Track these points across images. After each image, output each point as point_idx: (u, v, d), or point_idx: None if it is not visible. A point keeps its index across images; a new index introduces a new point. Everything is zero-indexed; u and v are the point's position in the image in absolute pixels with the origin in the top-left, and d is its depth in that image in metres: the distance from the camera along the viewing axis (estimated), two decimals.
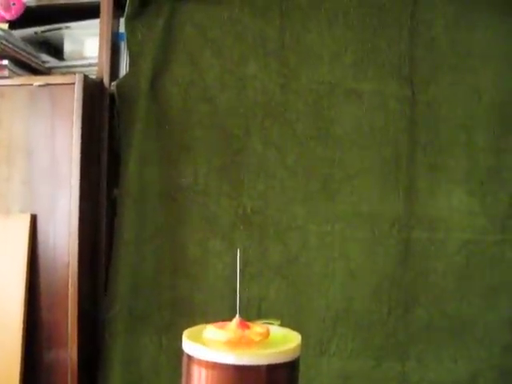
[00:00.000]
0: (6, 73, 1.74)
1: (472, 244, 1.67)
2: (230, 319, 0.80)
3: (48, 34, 1.94)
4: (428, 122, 1.71)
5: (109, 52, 1.79)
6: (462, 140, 1.71)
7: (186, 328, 0.81)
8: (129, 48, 1.76)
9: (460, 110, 1.70)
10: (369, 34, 1.73)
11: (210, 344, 0.75)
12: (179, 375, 0.77)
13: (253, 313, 1.68)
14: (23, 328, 1.62)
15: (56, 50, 1.97)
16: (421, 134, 1.71)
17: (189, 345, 0.74)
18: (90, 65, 1.85)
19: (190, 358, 0.74)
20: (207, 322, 0.82)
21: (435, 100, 1.71)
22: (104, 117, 1.77)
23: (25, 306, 1.63)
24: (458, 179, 1.70)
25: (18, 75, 1.78)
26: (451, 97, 1.70)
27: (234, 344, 0.75)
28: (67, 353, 1.64)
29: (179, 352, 0.77)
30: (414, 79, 1.71)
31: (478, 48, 1.72)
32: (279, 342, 0.77)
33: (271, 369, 0.71)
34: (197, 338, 0.75)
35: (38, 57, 1.89)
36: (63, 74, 1.87)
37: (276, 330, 0.82)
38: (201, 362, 0.72)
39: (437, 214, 1.69)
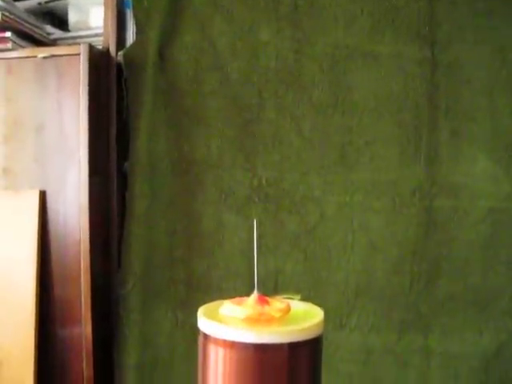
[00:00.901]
0: (9, 45, 1.70)
1: (497, 212, 1.61)
2: (248, 294, 0.75)
3: (52, 4, 1.90)
4: (449, 85, 1.63)
5: (114, 21, 1.74)
6: (484, 103, 1.62)
7: (202, 303, 0.76)
8: (135, 16, 1.72)
9: (483, 72, 1.62)
10: None
11: (227, 321, 0.70)
12: (195, 350, 0.72)
13: (269, 287, 1.64)
14: (36, 306, 1.62)
15: (60, 21, 1.93)
16: (442, 98, 1.63)
17: (204, 322, 0.69)
18: (96, 35, 1.80)
19: (206, 336, 0.69)
20: (223, 296, 0.77)
21: (457, 61, 1.62)
22: (111, 87, 1.73)
23: (37, 284, 1.62)
24: (482, 145, 1.62)
25: (22, 47, 1.73)
26: (473, 57, 1.62)
27: (253, 321, 0.70)
28: (82, 330, 1.63)
29: (195, 327, 0.72)
30: (434, 39, 1.63)
31: (500, 6, 1.63)
32: (301, 318, 0.72)
33: (293, 347, 0.67)
34: (213, 316, 0.71)
35: (43, 28, 1.84)
36: (69, 45, 1.82)
37: (297, 306, 0.77)
38: (218, 341, 0.67)
39: (460, 181, 1.62)
